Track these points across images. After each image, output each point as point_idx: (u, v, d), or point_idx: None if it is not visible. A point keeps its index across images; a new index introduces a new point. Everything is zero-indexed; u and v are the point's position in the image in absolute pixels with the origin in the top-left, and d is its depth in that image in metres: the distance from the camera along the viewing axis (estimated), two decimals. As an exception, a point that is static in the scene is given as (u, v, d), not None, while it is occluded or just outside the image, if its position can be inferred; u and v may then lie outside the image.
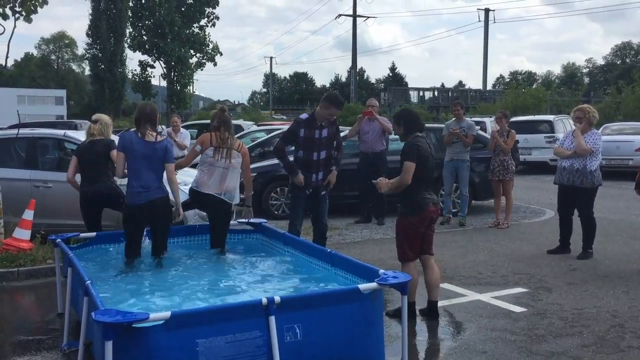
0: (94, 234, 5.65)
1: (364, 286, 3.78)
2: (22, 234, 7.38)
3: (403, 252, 5.23)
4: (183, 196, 5.92)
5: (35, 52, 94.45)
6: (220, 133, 5.82)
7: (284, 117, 52.77)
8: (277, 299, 3.47)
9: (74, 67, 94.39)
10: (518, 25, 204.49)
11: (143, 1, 19.12)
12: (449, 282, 6.46)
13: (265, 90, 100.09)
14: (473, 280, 6.53)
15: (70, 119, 51.12)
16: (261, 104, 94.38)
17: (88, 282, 3.85)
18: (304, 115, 6.45)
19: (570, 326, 5.07)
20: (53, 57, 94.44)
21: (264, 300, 3.44)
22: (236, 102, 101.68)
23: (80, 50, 76.24)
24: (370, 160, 9.71)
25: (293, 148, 6.62)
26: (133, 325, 3.18)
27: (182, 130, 11.16)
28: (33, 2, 7.59)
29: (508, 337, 4.84)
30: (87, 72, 59.34)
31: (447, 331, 5.11)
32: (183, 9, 18.99)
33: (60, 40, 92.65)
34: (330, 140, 6.43)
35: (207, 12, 19.14)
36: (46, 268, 6.93)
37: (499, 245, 8.32)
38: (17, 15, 7.50)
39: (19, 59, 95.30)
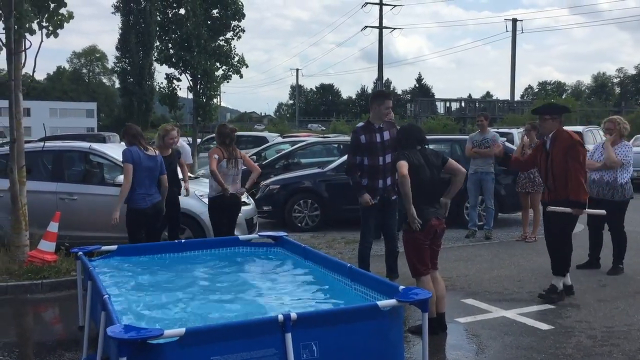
0: (115, 246, 5.66)
1: (383, 303, 3.69)
2: (47, 246, 7.45)
3: (414, 267, 5.22)
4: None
5: (67, 66, 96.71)
6: (226, 147, 6.99)
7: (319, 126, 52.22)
8: (293, 315, 3.40)
9: (105, 80, 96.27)
10: (546, 35, 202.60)
11: (170, 15, 19.32)
12: (473, 297, 6.32)
13: (291, 101, 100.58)
14: (498, 295, 6.38)
15: (101, 131, 52.00)
16: (287, 115, 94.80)
17: (106, 296, 3.83)
18: (359, 124, 6.71)
19: (600, 345, 4.90)
20: (84, 70, 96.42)
21: (280, 317, 3.37)
22: (263, 114, 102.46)
23: (110, 64, 77.59)
24: None
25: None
26: (147, 342, 3.14)
27: (180, 141, 11.46)
28: (59, 17, 7.70)
29: (534, 355, 4.70)
30: (117, 85, 60.28)
31: (471, 349, 4.97)
32: (209, 23, 19.11)
33: (91, 54, 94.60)
34: (393, 143, 6.37)
35: (232, 25, 19.27)
36: (70, 280, 6.97)
37: (526, 259, 8.14)
38: (43, 30, 7.60)
39: (51, 73, 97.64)
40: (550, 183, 6.18)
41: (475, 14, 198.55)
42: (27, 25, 7.35)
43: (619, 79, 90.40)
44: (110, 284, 4.66)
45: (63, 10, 7.70)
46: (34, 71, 7.77)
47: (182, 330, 3.21)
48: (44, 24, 7.62)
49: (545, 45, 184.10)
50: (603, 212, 6.76)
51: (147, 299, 4.40)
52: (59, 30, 7.79)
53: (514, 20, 47.28)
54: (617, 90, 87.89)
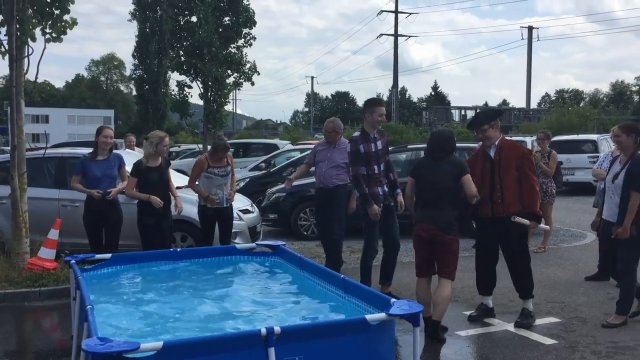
0: (109, 255, 5.58)
1: (371, 317, 3.55)
2: (47, 254, 7.41)
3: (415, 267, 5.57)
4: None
5: (85, 74, 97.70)
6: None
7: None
8: (276, 329, 3.27)
9: (122, 87, 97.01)
10: (563, 43, 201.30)
11: (182, 22, 19.44)
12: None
13: (307, 109, 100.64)
14: (502, 308, 6.19)
15: (118, 138, 52.19)
16: (303, 123, 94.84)
17: (88, 307, 3.74)
18: (356, 134, 6.53)
19: (604, 361, 4.72)
20: (102, 78, 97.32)
21: (263, 331, 3.25)
22: (278, 122, 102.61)
23: (128, 72, 78.27)
24: (325, 198, 7.38)
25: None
26: (123, 356, 3.04)
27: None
28: (63, 23, 7.69)
29: (534, 372, 4.53)
30: (134, 92, 60.67)
31: (469, 364, 4.81)
32: (220, 30, 19.20)
33: (110, 62, 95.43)
34: (384, 151, 6.50)
35: (244, 32, 19.33)
36: (68, 288, 6.88)
37: (534, 270, 7.68)
38: (47, 36, 7.59)
39: (70, 81, 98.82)
40: (497, 195, 5.56)
41: (490, 21, 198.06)
42: (29, 32, 7.35)
43: (638, 87, 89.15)
44: (98, 294, 4.58)
45: (67, 17, 7.70)
46: (36, 78, 7.78)
47: (160, 344, 3.09)
48: (47, 30, 7.62)
49: (562, 53, 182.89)
50: (548, 227, 7.01)
51: (133, 310, 4.31)
52: (63, 37, 7.79)
53: (530, 28, 46.87)
54: (636, 98, 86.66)
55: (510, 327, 5.61)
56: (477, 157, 5.84)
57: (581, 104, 63.18)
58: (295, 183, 11.35)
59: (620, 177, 5.56)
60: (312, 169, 8.04)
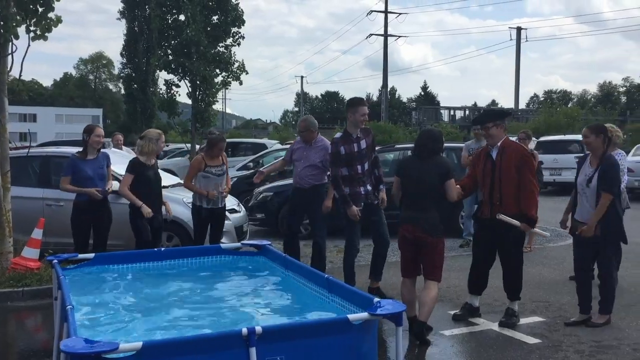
0: (92, 255, 5.53)
1: (353, 316, 3.53)
2: (31, 253, 7.35)
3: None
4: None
5: (74, 73, 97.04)
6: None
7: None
8: (258, 329, 3.25)
9: (111, 86, 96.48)
10: (551, 44, 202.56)
11: (170, 21, 19.32)
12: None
13: (297, 109, 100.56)
14: (487, 307, 6.21)
15: (107, 137, 51.79)
16: (293, 122, 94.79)
17: (69, 307, 3.70)
18: (337, 135, 6.52)
19: (587, 361, 4.74)
20: (91, 77, 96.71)
21: (244, 331, 3.23)
22: (268, 121, 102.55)
23: (116, 70, 77.84)
24: (301, 198, 7.30)
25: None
26: (102, 356, 3.00)
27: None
28: (48, 21, 7.62)
29: (517, 371, 4.54)
30: (122, 91, 60.43)
31: (453, 363, 4.82)
32: (209, 29, 19.10)
33: (98, 61, 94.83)
34: (369, 150, 6.46)
35: (232, 31, 19.26)
36: (52, 288, 6.83)
37: (520, 270, 7.95)
38: (31, 34, 7.52)
39: (58, 79, 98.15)
40: (496, 197, 5.54)
41: (479, 22, 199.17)
42: (12, 29, 7.28)
43: (625, 88, 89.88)
44: (80, 294, 4.54)
45: (52, 15, 7.63)
46: (20, 75, 7.71)
47: (139, 344, 3.06)
48: (32, 28, 7.55)
49: (551, 54, 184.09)
50: (547, 234, 6.84)
51: (115, 309, 4.27)
52: (48, 35, 7.71)
53: (519, 29, 47.11)
54: (623, 99, 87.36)
55: (495, 326, 5.62)
56: (480, 156, 5.87)
57: (569, 105, 63.57)
58: (282, 183, 11.40)
59: (594, 181, 5.56)
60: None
